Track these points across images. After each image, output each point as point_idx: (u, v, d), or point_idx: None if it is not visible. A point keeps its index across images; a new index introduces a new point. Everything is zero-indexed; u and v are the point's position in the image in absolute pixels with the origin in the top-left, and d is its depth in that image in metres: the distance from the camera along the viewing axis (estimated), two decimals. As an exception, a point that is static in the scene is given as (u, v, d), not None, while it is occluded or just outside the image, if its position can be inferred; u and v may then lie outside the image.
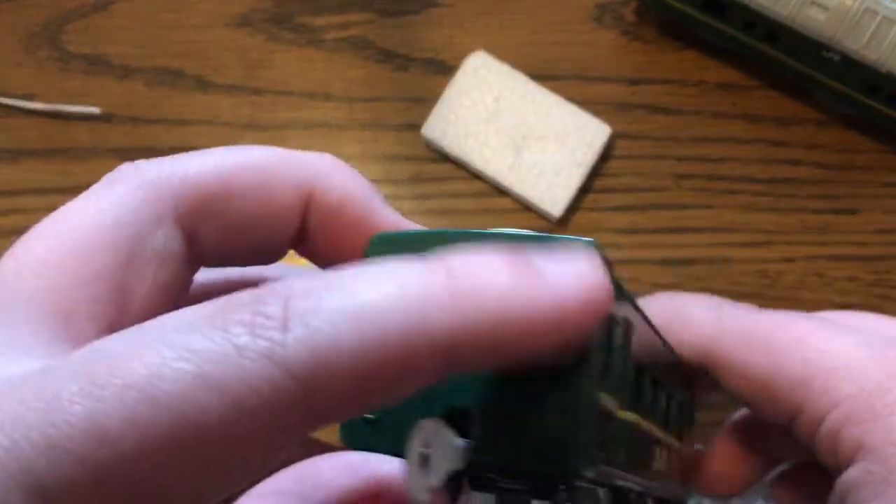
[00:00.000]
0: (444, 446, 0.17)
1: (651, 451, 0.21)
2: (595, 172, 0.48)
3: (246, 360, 0.14)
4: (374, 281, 0.15)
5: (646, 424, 0.20)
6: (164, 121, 0.49)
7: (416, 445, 0.17)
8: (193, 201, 0.20)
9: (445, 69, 0.49)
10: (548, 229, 0.47)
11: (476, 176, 0.48)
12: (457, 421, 0.17)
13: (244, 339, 0.14)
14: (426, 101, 0.49)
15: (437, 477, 0.17)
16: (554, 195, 0.46)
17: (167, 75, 0.50)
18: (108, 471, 0.13)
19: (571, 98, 0.48)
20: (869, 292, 0.47)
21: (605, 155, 0.48)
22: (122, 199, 0.19)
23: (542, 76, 0.49)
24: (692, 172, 0.48)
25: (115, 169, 0.20)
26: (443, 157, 0.48)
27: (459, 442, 0.17)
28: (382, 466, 0.20)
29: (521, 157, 0.47)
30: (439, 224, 0.47)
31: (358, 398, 0.14)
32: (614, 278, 0.17)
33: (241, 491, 0.19)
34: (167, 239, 0.19)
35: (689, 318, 0.25)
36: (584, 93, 0.49)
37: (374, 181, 0.52)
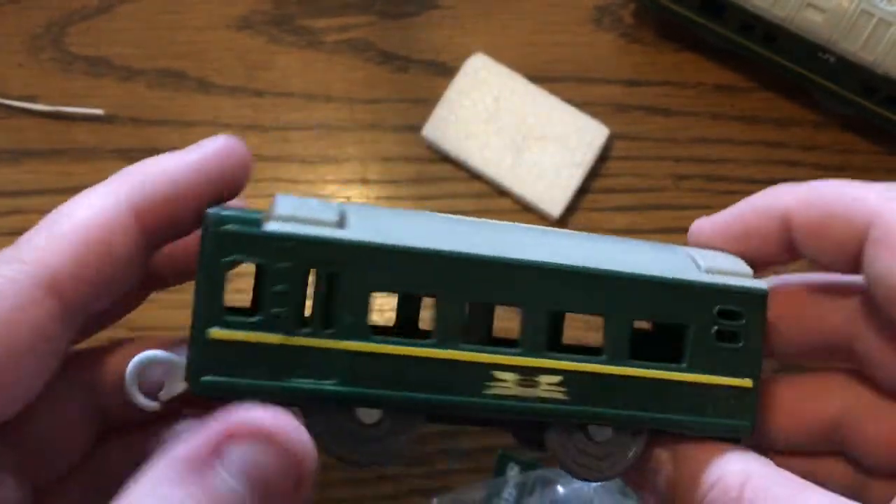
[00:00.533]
0: (170, 367, 0.23)
1: (468, 377, 0.23)
2: (594, 173, 0.48)
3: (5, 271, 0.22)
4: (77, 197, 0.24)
5: (398, 350, 0.22)
6: (166, 122, 0.49)
7: (134, 364, 0.23)
8: (153, 209, 0.24)
9: (445, 70, 0.50)
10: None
11: (476, 176, 0.48)
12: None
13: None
14: (426, 102, 0.49)
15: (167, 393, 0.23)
16: (553, 195, 0.47)
17: (169, 77, 0.50)
18: None
19: (571, 99, 0.48)
20: (866, 292, 0.47)
21: (604, 156, 0.48)
22: (95, 204, 0.23)
23: (541, 77, 0.49)
24: (691, 173, 0.49)
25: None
26: (443, 157, 0.48)
27: (181, 360, 0.22)
28: None
29: (520, 158, 0.47)
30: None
31: (84, 266, 0.22)
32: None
33: None
34: (128, 245, 0.23)
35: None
36: (584, 94, 0.49)
37: (374, 182, 0.53)
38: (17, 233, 0.48)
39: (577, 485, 0.38)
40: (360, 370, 0.22)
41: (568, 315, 0.27)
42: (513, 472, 0.40)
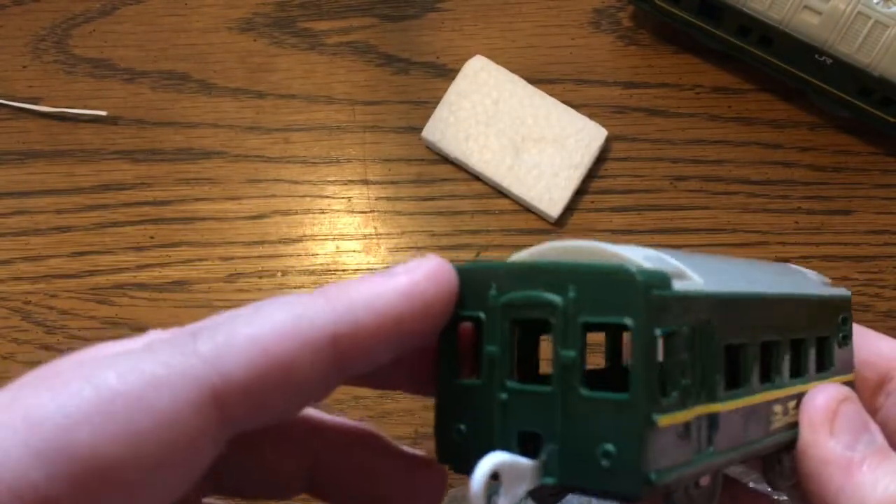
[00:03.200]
0: (514, 471, 0.19)
1: (764, 417, 0.22)
2: (592, 174, 0.48)
3: (161, 354, 0.17)
4: (263, 306, 0.19)
5: (744, 402, 0.21)
6: (169, 123, 0.50)
7: (482, 475, 0.18)
8: (232, 395, 0.19)
9: (445, 73, 0.50)
10: (546, 229, 0.48)
11: (475, 177, 0.49)
12: (526, 444, 0.19)
13: (160, 346, 0.18)
14: (427, 103, 0.49)
15: (509, 500, 0.18)
16: (552, 196, 0.47)
17: (172, 78, 0.50)
18: (67, 453, 0.16)
19: (569, 101, 0.49)
20: (861, 292, 0.47)
21: (602, 157, 0.49)
22: (155, 381, 0.18)
23: (540, 79, 0.49)
24: (688, 174, 0.49)
25: (166, 332, 0.20)
26: (443, 158, 0.49)
27: (529, 463, 0.19)
28: None
29: (519, 159, 0.48)
30: (439, 223, 0.48)
31: (257, 373, 0.18)
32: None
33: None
34: (200, 420, 0.18)
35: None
36: (582, 96, 0.50)
37: (375, 182, 0.53)
38: (23, 233, 0.49)
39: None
40: (728, 428, 0.21)
41: None
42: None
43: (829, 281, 0.28)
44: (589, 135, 0.48)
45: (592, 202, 0.48)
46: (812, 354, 0.24)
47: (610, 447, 0.18)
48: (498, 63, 0.49)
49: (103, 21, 0.51)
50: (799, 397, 0.24)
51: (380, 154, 0.49)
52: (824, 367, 0.25)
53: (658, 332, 0.18)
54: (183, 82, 0.50)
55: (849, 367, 0.27)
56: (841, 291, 0.27)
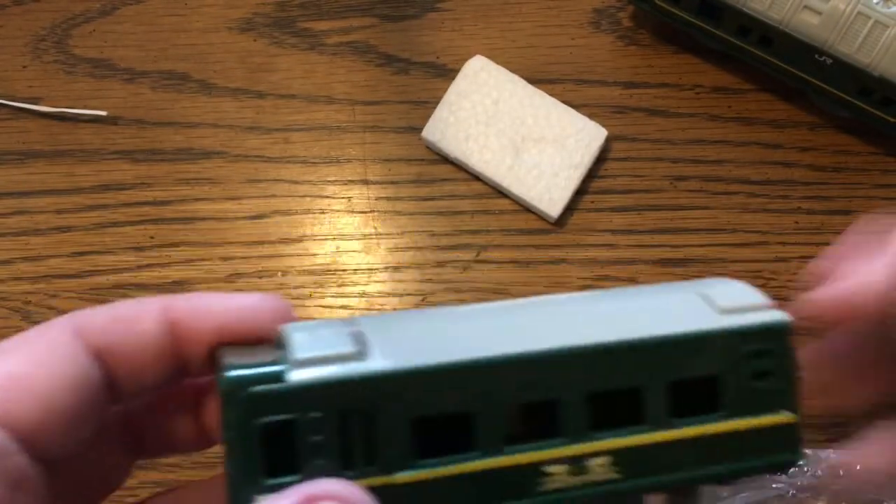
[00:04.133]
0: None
1: (524, 479, 0.22)
2: (592, 174, 0.48)
3: (45, 336, 0.22)
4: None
5: (456, 469, 0.22)
6: (169, 123, 0.50)
7: None
8: (89, 322, 0.23)
9: (445, 73, 0.50)
10: (546, 229, 0.48)
11: (475, 177, 0.49)
12: None
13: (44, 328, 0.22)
14: (427, 103, 0.49)
15: None
16: (552, 196, 0.47)
17: (172, 78, 0.50)
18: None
19: (569, 101, 0.49)
20: (862, 292, 0.47)
21: (602, 157, 0.49)
22: (34, 332, 0.23)
23: (540, 79, 0.49)
24: (688, 174, 0.49)
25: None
26: (443, 158, 0.49)
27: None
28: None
29: (519, 159, 0.48)
30: (439, 223, 0.48)
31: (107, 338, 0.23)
32: None
33: None
34: (68, 343, 0.23)
35: None
36: (582, 96, 0.50)
37: (375, 182, 0.53)
38: (23, 233, 0.49)
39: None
40: (415, 500, 0.21)
41: None
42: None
43: (767, 302, 0.25)
44: (589, 135, 0.48)
45: (592, 202, 0.48)
46: (659, 401, 0.23)
47: None
48: (498, 63, 0.49)
49: (103, 21, 0.51)
50: (623, 452, 0.23)
51: (380, 154, 0.49)
52: (711, 410, 0.24)
53: (255, 423, 0.20)
54: (183, 82, 0.50)
55: (785, 404, 0.24)
56: (764, 318, 0.24)
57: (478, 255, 0.48)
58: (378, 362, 0.21)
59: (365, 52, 0.51)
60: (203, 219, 0.49)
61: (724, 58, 0.50)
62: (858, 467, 0.25)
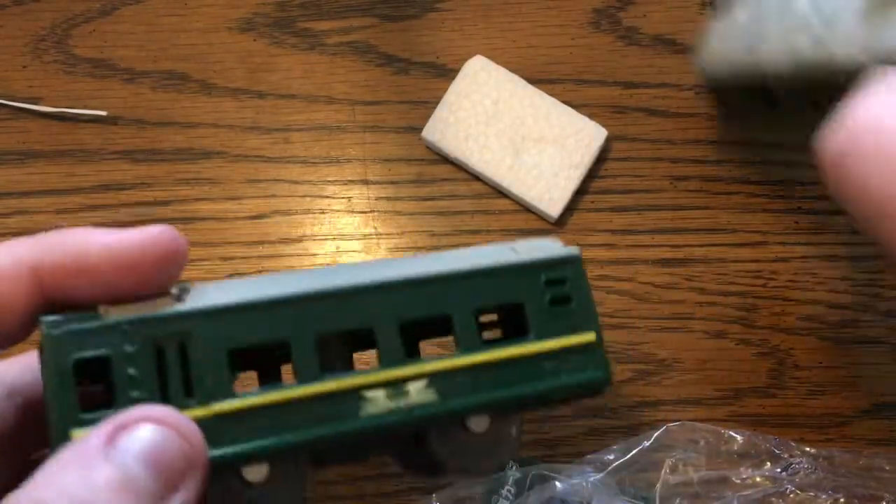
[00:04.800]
0: None
1: (346, 402, 0.24)
2: (592, 174, 0.48)
3: None
4: None
5: (270, 398, 0.23)
6: (169, 123, 0.50)
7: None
8: None
9: (445, 73, 0.50)
10: (546, 229, 0.48)
11: (475, 177, 0.49)
12: None
13: None
14: (426, 104, 0.49)
15: None
16: (552, 196, 0.47)
17: (172, 78, 0.50)
18: None
19: (569, 101, 0.49)
20: (862, 292, 0.47)
21: (602, 157, 0.49)
22: None
23: (540, 79, 0.49)
24: (688, 174, 0.49)
25: None
26: (443, 158, 0.49)
27: None
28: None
29: (519, 159, 0.48)
30: (439, 223, 0.48)
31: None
32: None
33: None
34: None
35: None
36: (582, 96, 0.50)
37: (375, 183, 0.53)
38: (22, 233, 0.48)
39: (575, 481, 0.38)
40: (234, 429, 0.22)
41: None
42: (511, 470, 0.40)
43: (563, 246, 0.28)
44: (589, 135, 0.48)
45: (592, 202, 0.48)
46: (469, 328, 0.26)
47: None
48: (498, 63, 0.49)
49: (103, 21, 0.51)
50: (438, 375, 0.25)
51: (380, 154, 0.49)
52: (519, 334, 0.27)
53: (69, 359, 0.21)
54: (183, 82, 0.50)
55: (586, 325, 0.27)
56: (558, 252, 0.28)
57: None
58: (193, 302, 0.23)
59: (365, 52, 0.51)
60: (203, 219, 0.49)
61: (723, 58, 0.50)
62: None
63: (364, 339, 0.25)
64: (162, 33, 0.51)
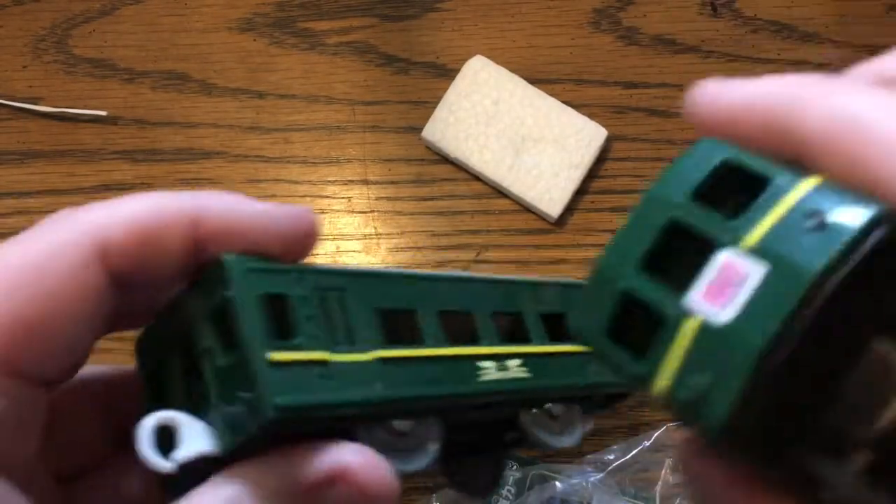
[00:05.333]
0: (188, 430, 0.22)
1: (462, 369, 0.26)
2: (592, 174, 0.48)
3: (48, 227, 0.22)
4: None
5: (406, 352, 0.25)
6: (169, 123, 0.50)
7: (148, 427, 0.21)
8: (113, 244, 0.23)
9: (445, 73, 0.50)
10: (546, 229, 0.48)
11: (475, 177, 0.49)
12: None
13: (47, 222, 0.22)
14: (426, 104, 0.49)
15: (184, 454, 0.21)
16: (552, 196, 0.47)
17: (172, 78, 0.50)
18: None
19: (569, 101, 0.49)
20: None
21: (602, 157, 0.49)
22: (49, 242, 0.22)
23: (540, 79, 0.49)
24: (688, 174, 0.49)
25: (48, 217, 0.23)
26: (443, 158, 0.49)
27: (199, 424, 0.22)
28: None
29: (519, 159, 0.48)
30: (439, 223, 0.48)
31: (134, 236, 0.22)
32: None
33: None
34: (90, 274, 0.22)
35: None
36: (582, 96, 0.50)
37: (375, 182, 0.53)
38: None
39: (575, 481, 0.38)
40: (392, 375, 0.24)
41: None
42: (511, 470, 0.40)
43: None
44: (589, 135, 0.48)
45: (592, 202, 0.48)
46: (537, 325, 0.30)
47: (244, 393, 0.21)
48: (498, 63, 0.49)
49: (103, 21, 0.51)
50: (528, 356, 0.29)
51: (380, 154, 0.49)
52: (562, 340, 0.30)
53: (257, 294, 0.22)
54: (183, 82, 0.50)
55: None
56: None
57: (478, 256, 0.48)
58: (347, 266, 0.26)
59: (365, 52, 0.51)
60: (203, 219, 0.49)
61: (724, 57, 0.50)
62: None
63: (459, 329, 0.28)
64: (162, 33, 0.51)
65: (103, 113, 0.50)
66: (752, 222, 0.16)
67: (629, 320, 0.18)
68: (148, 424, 0.21)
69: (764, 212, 0.17)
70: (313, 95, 0.50)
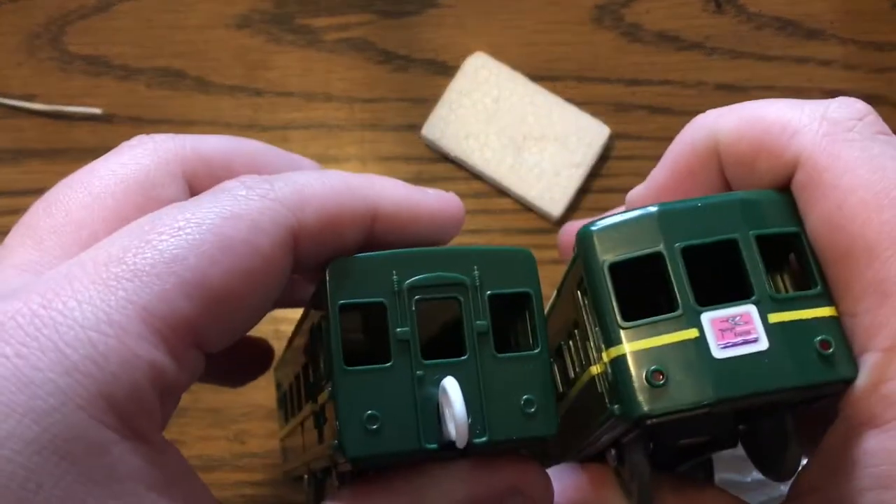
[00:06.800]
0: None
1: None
2: (595, 173, 0.48)
3: (251, 200, 0.21)
4: (326, 171, 0.24)
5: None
6: (165, 121, 0.49)
7: (460, 403, 0.21)
8: (198, 164, 0.25)
9: (446, 70, 0.49)
10: (547, 229, 0.48)
11: (476, 176, 0.48)
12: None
13: (243, 191, 0.21)
14: (426, 101, 0.49)
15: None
16: (553, 195, 0.47)
17: (168, 76, 0.50)
18: (205, 294, 0.20)
19: (571, 99, 0.48)
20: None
21: (605, 155, 0.48)
22: (139, 158, 0.25)
23: (541, 77, 0.49)
24: (691, 173, 0.48)
25: (134, 137, 0.26)
26: (443, 157, 0.48)
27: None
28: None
29: (520, 158, 0.47)
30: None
31: (324, 224, 0.22)
32: None
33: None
34: (177, 191, 0.24)
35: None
36: (584, 93, 0.49)
37: (374, 181, 0.52)
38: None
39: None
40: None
41: None
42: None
43: None
44: (591, 133, 0.47)
45: (595, 201, 0.48)
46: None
47: (530, 396, 0.22)
48: (499, 60, 0.49)
49: (98, 18, 0.51)
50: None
51: (379, 152, 0.49)
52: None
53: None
54: (179, 79, 0.50)
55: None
56: None
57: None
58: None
59: (364, 48, 0.50)
60: (200, 218, 0.48)
61: (727, 55, 0.49)
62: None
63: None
64: (157, 30, 0.51)
65: (98, 111, 0.49)
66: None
67: None
68: (459, 403, 0.21)
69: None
70: (311, 93, 0.50)
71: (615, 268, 0.23)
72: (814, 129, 0.23)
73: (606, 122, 0.48)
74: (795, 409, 0.23)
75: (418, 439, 0.21)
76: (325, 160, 0.49)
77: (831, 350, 0.21)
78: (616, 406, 0.22)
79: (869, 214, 0.21)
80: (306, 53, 0.50)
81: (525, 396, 0.22)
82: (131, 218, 0.22)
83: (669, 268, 0.22)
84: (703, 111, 0.49)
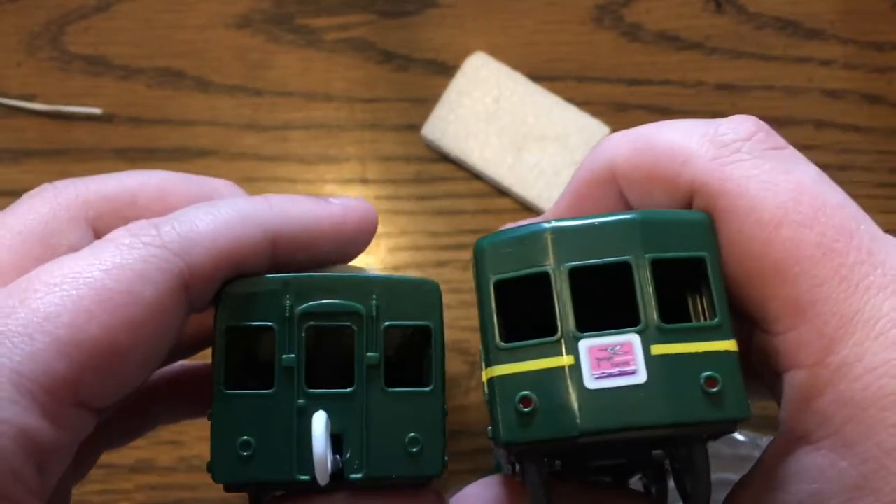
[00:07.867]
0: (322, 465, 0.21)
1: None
2: (594, 173, 0.48)
3: (134, 249, 0.20)
4: (216, 203, 0.22)
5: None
6: (165, 121, 0.49)
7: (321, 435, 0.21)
8: (103, 205, 0.24)
9: (445, 70, 0.49)
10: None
11: (476, 176, 0.48)
12: (334, 444, 0.21)
13: (127, 240, 0.21)
14: (426, 101, 0.49)
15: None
16: (553, 195, 0.47)
17: (168, 76, 0.50)
18: (83, 351, 0.19)
19: (571, 98, 0.48)
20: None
21: (605, 155, 0.48)
22: (38, 208, 0.24)
23: (541, 77, 0.49)
24: (691, 173, 0.48)
25: (37, 187, 0.25)
26: (443, 157, 0.48)
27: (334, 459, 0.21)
28: None
29: (520, 158, 0.47)
30: (439, 222, 0.48)
31: (217, 263, 0.21)
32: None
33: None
34: (79, 237, 0.23)
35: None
36: (584, 93, 0.49)
37: (374, 181, 0.53)
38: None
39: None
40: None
41: None
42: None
43: None
44: (591, 133, 0.47)
45: (594, 201, 0.48)
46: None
47: (416, 434, 0.21)
48: (499, 60, 0.49)
49: (98, 18, 0.51)
50: None
51: (379, 152, 0.49)
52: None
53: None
54: (179, 79, 0.50)
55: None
56: None
57: (478, 255, 0.47)
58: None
59: (364, 48, 0.50)
60: (200, 218, 0.48)
61: (727, 55, 0.49)
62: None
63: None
64: (157, 30, 0.51)
65: (98, 111, 0.49)
66: None
67: None
68: (320, 435, 0.20)
69: None
70: (311, 93, 0.50)
71: (503, 285, 0.22)
72: (702, 154, 0.22)
73: (606, 121, 0.48)
74: (705, 443, 0.22)
75: (291, 470, 0.21)
76: (325, 160, 0.49)
77: (717, 388, 0.20)
78: (489, 427, 0.21)
79: (768, 235, 0.21)
80: (306, 53, 0.50)
81: (411, 434, 0.21)
82: (31, 269, 0.21)
83: (553, 289, 0.21)
84: (704, 111, 0.49)
